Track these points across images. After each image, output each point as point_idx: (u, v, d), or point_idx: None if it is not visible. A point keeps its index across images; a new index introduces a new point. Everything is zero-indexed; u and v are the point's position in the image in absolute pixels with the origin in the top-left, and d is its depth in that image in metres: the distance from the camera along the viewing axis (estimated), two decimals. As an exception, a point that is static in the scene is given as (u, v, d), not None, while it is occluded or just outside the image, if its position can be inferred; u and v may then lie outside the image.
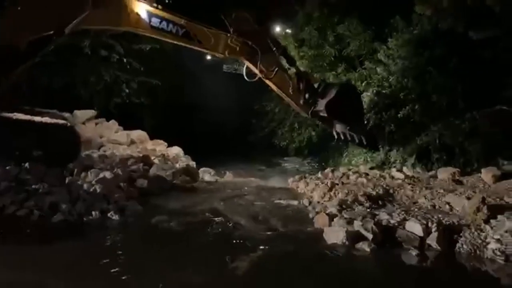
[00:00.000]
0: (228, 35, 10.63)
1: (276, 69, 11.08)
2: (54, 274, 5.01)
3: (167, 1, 9.96)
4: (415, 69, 11.88)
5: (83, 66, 14.86)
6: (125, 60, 15.89)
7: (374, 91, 12.75)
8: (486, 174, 9.16)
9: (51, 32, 8.49)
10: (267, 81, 11.40)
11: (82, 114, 13.51)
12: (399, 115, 11.84)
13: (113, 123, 14.03)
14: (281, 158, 18.20)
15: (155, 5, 9.68)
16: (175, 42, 10.20)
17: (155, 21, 9.62)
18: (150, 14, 9.54)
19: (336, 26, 14.48)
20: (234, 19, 10.67)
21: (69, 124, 10.13)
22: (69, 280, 4.89)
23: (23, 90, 10.43)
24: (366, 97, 12.96)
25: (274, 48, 11.17)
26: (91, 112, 13.84)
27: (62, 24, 8.48)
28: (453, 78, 11.41)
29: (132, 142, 13.37)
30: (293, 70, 11.62)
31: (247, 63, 11.28)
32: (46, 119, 9.48)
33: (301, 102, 11.30)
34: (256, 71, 11.17)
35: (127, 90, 16.35)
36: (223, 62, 21.56)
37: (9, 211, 6.86)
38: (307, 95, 11.13)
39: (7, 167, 8.07)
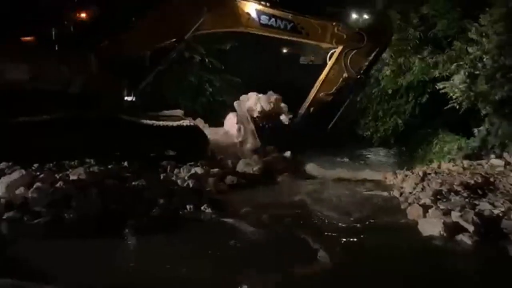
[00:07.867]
0: (334, 23, 10.64)
1: (362, 74, 11.37)
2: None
3: None
4: (514, 45, 10.84)
5: (169, 68, 15.67)
6: (206, 60, 16.49)
7: (466, 73, 11.84)
8: None
9: (174, 40, 9.50)
10: (329, 65, 11.45)
11: (170, 114, 14.23)
12: (496, 97, 10.91)
13: (199, 121, 14.61)
14: (364, 149, 17.62)
15: (263, 3, 10.08)
16: (284, 37, 10.55)
17: (264, 19, 10.15)
18: (260, 13, 10.02)
19: (419, 6, 13.72)
20: None
21: (195, 124, 10.88)
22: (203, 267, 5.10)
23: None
24: (456, 79, 12.10)
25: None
26: (178, 112, 14.54)
27: (183, 32, 9.42)
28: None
29: (219, 138, 13.80)
30: None
31: (338, 50, 11.22)
32: (175, 123, 10.37)
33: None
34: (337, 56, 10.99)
35: (210, 89, 16.98)
36: (299, 54, 21.50)
37: (113, 207, 7.44)
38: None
39: (109, 166, 8.80)
